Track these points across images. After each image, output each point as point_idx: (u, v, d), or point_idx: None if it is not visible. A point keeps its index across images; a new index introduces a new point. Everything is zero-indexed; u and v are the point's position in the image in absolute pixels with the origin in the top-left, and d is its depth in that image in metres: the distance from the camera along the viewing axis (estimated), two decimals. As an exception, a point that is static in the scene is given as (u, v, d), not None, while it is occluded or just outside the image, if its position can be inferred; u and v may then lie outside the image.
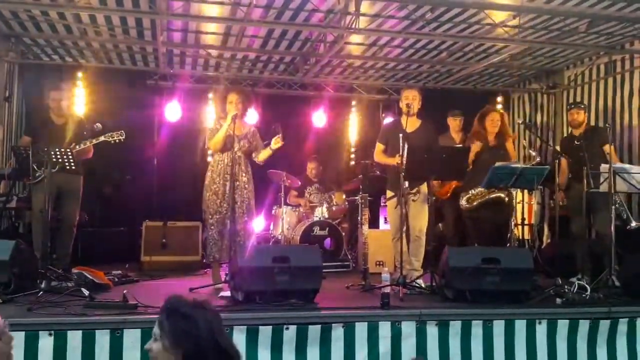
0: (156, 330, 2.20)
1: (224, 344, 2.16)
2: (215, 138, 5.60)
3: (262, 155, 5.77)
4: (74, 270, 5.30)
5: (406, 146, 5.22)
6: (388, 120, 8.69)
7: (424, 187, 5.68)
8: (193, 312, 2.16)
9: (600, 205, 5.80)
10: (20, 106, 8.03)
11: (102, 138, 5.80)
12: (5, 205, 6.48)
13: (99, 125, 5.88)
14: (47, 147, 5.22)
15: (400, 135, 5.30)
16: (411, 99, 5.73)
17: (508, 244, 6.07)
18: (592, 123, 7.99)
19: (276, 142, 5.62)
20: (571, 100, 8.48)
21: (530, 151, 6.69)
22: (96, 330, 3.78)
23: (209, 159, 6.06)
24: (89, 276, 5.15)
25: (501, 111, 7.07)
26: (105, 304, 4.28)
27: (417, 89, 5.96)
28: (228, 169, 5.55)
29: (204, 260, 6.16)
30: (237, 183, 5.53)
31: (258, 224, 8.08)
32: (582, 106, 6.59)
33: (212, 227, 5.59)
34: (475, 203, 6.15)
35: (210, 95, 9.09)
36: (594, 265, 5.92)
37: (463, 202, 6.25)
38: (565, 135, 8.03)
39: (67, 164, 5.30)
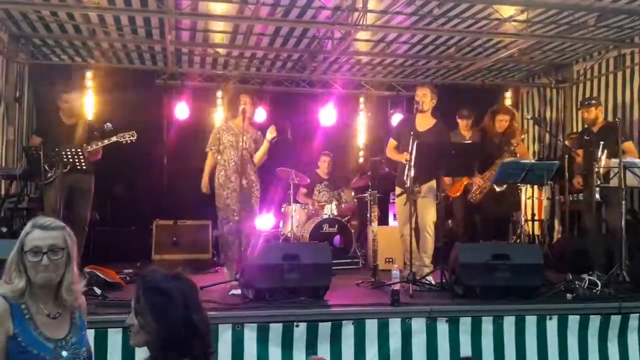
0: (134, 304, 2.11)
1: (196, 320, 2.07)
2: (258, 155, 5.67)
3: (258, 154, 5.71)
4: (86, 270, 5.28)
5: (416, 143, 5.20)
6: (400, 116, 8.64)
7: (432, 183, 5.65)
8: (168, 287, 2.07)
9: (612, 200, 5.77)
10: (30, 106, 8.08)
11: (114, 139, 5.81)
12: (17, 205, 6.52)
13: (109, 125, 5.90)
14: (57, 147, 5.25)
15: (418, 132, 5.25)
16: (421, 96, 5.66)
17: (519, 239, 6.09)
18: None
19: (271, 132, 5.58)
20: (581, 95, 8.43)
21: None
22: (108, 329, 3.83)
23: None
24: (100, 275, 5.17)
25: (513, 111, 7.16)
26: (117, 303, 4.31)
27: (429, 88, 5.82)
28: (239, 167, 5.53)
29: (215, 259, 6.00)
30: (247, 181, 5.56)
31: (268, 221, 8.12)
32: (593, 102, 6.36)
33: (233, 226, 5.52)
34: (479, 196, 6.33)
35: (219, 94, 9.09)
36: (607, 261, 5.90)
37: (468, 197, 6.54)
38: (580, 130, 7.99)
39: (78, 163, 5.33)
